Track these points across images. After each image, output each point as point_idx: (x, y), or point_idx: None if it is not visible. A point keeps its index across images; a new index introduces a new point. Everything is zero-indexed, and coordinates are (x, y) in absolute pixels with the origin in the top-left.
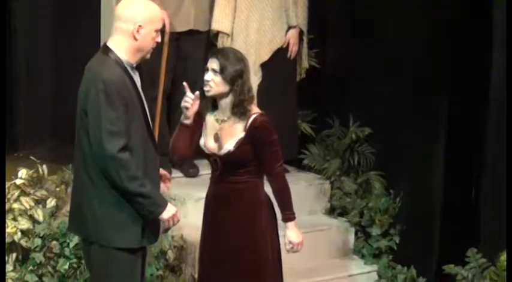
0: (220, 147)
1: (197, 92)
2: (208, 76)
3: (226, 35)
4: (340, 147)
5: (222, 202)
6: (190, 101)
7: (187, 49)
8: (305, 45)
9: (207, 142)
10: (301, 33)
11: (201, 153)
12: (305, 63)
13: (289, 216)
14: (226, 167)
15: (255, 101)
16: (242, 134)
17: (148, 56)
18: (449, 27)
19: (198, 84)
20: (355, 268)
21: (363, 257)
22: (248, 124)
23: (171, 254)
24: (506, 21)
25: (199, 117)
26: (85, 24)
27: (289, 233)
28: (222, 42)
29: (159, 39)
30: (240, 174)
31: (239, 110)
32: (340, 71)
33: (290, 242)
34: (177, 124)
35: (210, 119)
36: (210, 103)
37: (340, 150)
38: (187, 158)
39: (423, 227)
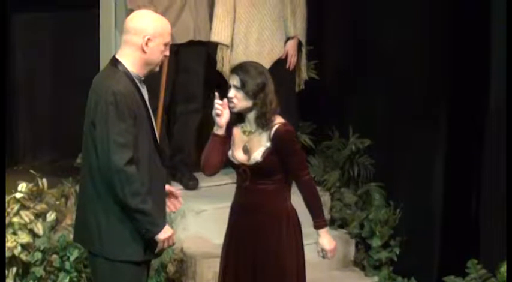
0: (249, 158)
1: (225, 99)
2: (231, 93)
3: (226, 46)
4: (339, 159)
5: (249, 211)
6: (220, 107)
7: (187, 62)
8: (304, 56)
9: (236, 153)
10: (299, 44)
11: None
12: (304, 75)
13: (320, 223)
14: (255, 177)
15: None
16: (268, 144)
17: (157, 69)
18: (449, 40)
19: (198, 97)
20: (356, 280)
21: (363, 268)
22: (272, 134)
23: (171, 267)
24: (505, 29)
25: (227, 129)
26: (84, 40)
27: (322, 240)
28: (221, 54)
29: (167, 53)
30: (268, 184)
31: (262, 121)
32: (340, 83)
33: (323, 249)
34: (177, 136)
35: (237, 131)
36: (236, 115)
37: (339, 161)
38: (218, 172)
39: (424, 238)
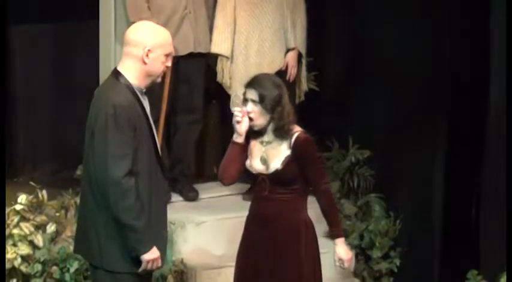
0: (267, 168)
1: (245, 107)
2: (249, 107)
3: (226, 58)
4: (339, 170)
5: (268, 222)
6: (240, 114)
7: (187, 73)
8: (304, 67)
9: (254, 163)
10: (299, 55)
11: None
12: (304, 86)
13: (337, 232)
14: (273, 186)
15: None
16: (288, 152)
17: (159, 80)
18: (449, 49)
19: (198, 109)
20: None
21: (363, 279)
22: (292, 142)
23: (171, 279)
24: (506, 38)
25: (246, 138)
26: (84, 51)
27: (339, 250)
28: (221, 65)
29: (169, 64)
30: (287, 193)
31: (280, 133)
32: (339, 94)
33: (340, 259)
34: (176, 148)
35: (254, 141)
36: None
37: (339, 172)
38: (236, 181)
39: (424, 249)
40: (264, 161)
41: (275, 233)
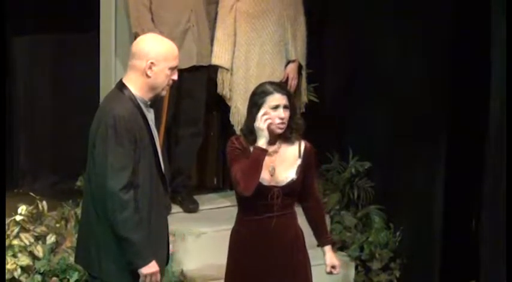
0: (276, 179)
1: (274, 113)
2: (285, 113)
3: (226, 70)
4: (339, 182)
5: (274, 236)
6: (267, 118)
7: (189, 87)
8: (304, 79)
9: (263, 176)
10: (300, 67)
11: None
12: (304, 98)
13: (329, 239)
14: (284, 197)
15: None
16: (299, 161)
17: (163, 93)
18: (449, 63)
19: (199, 121)
20: None
21: None
22: (302, 150)
23: None
24: (505, 45)
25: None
26: (85, 62)
27: (331, 256)
28: (221, 77)
29: (175, 77)
30: (290, 205)
31: (293, 138)
32: (339, 106)
33: (333, 265)
34: (177, 159)
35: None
36: (249, 137)
37: (339, 184)
38: None
39: (423, 261)
40: (273, 172)
41: (287, 246)
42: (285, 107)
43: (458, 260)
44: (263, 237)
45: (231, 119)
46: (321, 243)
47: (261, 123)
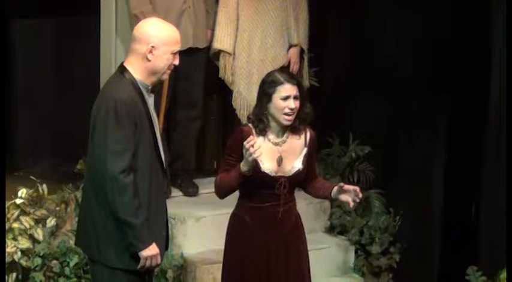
0: (284, 169)
1: (284, 103)
2: (295, 104)
3: (228, 54)
4: (340, 166)
5: (281, 225)
6: (255, 145)
7: (187, 69)
8: (306, 64)
9: (268, 166)
10: (302, 51)
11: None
12: (306, 82)
13: (337, 183)
14: (290, 187)
15: None
16: (305, 150)
17: (164, 77)
18: (449, 45)
19: (198, 104)
20: None
21: (363, 275)
22: (308, 139)
23: (171, 273)
24: (505, 38)
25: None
26: (85, 45)
27: (347, 186)
28: (224, 61)
29: (176, 62)
30: (293, 192)
31: (301, 128)
32: (340, 90)
33: (355, 190)
34: (176, 143)
35: (265, 143)
36: (262, 128)
37: (340, 168)
38: None
39: (423, 245)
40: (280, 162)
41: (293, 234)
42: (295, 97)
43: (458, 245)
44: (267, 224)
45: (233, 103)
46: (333, 189)
47: (253, 154)
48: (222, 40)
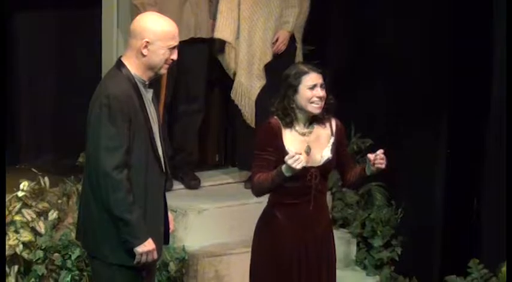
0: (313, 159)
1: (311, 92)
2: (322, 92)
3: (229, 44)
4: None
5: (315, 219)
6: (298, 156)
7: (189, 61)
8: (299, 53)
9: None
10: (294, 40)
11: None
12: None
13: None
14: (321, 177)
15: None
16: (332, 139)
17: (162, 71)
18: (451, 39)
19: (200, 97)
20: (357, 279)
21: (365, 268)
22: (334, 128)
23: (173, 266)
24: (506, 33)
25: (276, 138)
26: (86, 39)
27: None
28: (227, 51)
29: (174, 57)
30: (324, 187)
31: (325, 116)
32: (341, 83)
33: (379, 155)
34: (178, 136)
35: (291, 134)
36: (287, 119)
37: None
38: None
39: (425, 238)
40: (309, 152)
41: (325, 228)
42: (321, 85)
43: (460, 238)
44: (301, 221)
45: (232, 93)
46: (365, 168)
47: (297, 164)
48: (223, 30)
